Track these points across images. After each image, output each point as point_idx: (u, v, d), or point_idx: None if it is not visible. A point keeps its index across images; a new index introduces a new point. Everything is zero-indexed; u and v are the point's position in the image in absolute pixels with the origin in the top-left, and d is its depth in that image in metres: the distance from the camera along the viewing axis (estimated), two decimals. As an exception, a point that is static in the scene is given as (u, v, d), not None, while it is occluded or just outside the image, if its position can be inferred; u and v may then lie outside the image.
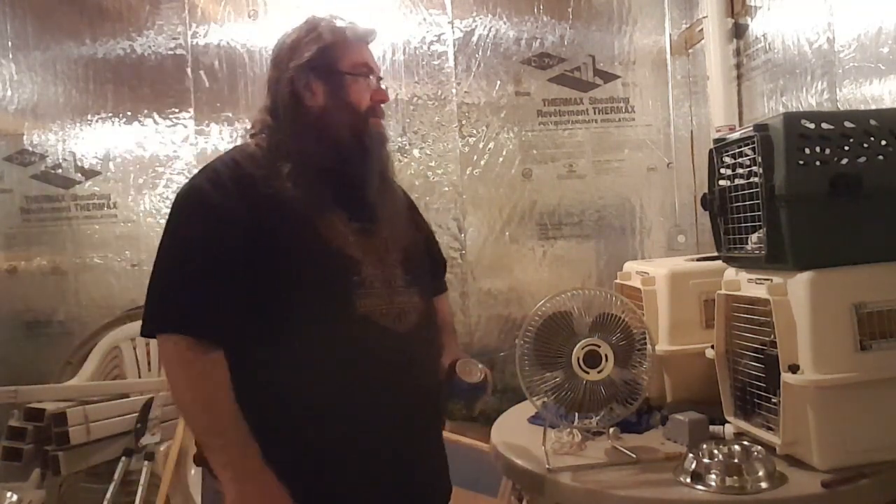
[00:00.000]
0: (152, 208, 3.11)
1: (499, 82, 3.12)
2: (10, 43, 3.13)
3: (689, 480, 1.35)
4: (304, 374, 1.21)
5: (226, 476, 1.16)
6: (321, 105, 1.31)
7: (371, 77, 1.35)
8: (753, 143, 1.44)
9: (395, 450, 1.26)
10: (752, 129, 1.46)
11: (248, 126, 1.42)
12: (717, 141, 1.64)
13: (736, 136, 1.55)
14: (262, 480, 1.16)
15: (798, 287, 1.37)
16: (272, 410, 1.21)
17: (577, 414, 1.53)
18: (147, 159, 3.13)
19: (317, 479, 1.22)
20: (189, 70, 3.11)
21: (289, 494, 1.17)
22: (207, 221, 1.21)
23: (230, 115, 3.09)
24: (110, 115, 3.13)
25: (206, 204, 1.22)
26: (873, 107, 1.89)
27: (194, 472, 2.48)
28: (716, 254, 1.71)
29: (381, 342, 1.25)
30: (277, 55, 1.36)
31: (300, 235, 1.24)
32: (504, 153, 3.12)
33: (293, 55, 1.32)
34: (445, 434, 1.87)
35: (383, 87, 1.39)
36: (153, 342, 2.83)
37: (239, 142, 3.06)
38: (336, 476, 1.23)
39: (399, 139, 3.09)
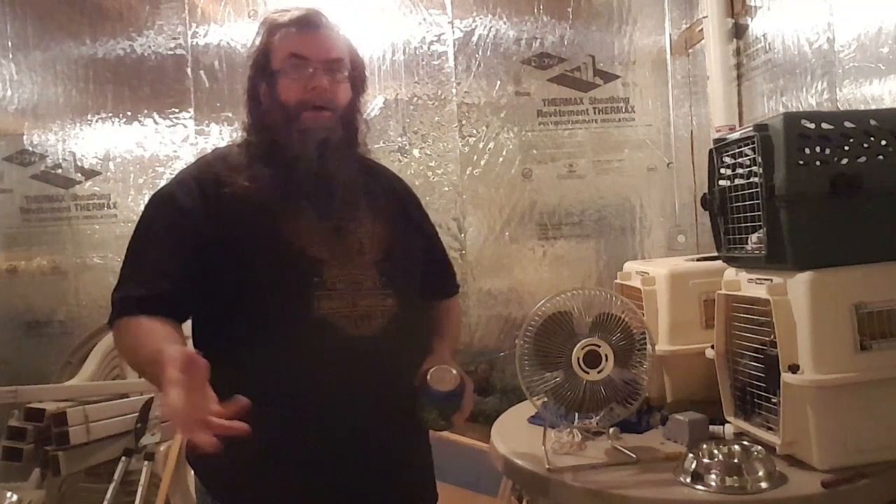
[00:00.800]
0: (152, 208, 3.11)
1: (499, 82, 3.12)
2: (10, 43, 3.13)
3: (689, 480, 1.35)
4: (257, 375, 1.18)
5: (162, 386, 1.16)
6: (265, 106, 1.31)
7: (305, 67, 1.27)
8: (753, 143, 1.44)
9: (350, 455, 1.20)
10: (752, 129, 1.46)
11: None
12: (717, 141, 1.64)
13: (736, 136, 1.55)
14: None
15: (798, 287, 1.37)
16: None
17: (577, 414, 1.53)
18: (147, 159, 3.14)
19: (266, 482, 1.19)
20: (189, 70, 3.11)
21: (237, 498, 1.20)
22: (163, 222, 1.24)
23: (230, 115, 3.09)
24: (110, 115, 3.13)
25: (167, 204, 1.25)
26: (873, 107, 1.89)
27: (194, 472, 2.47)
28: (716, 254, 1.70)
29: (337, 345, 1.20)
30: None
31: (258, 235, 1.22)
32: (504, 153, 3.12)
33: (249, 57, 1.35)
34: (446, 434, 1.86)
35: (343, 75, 1.30)
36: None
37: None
38: (286, 480, 1.19)
39: (399, 139, 3.09)
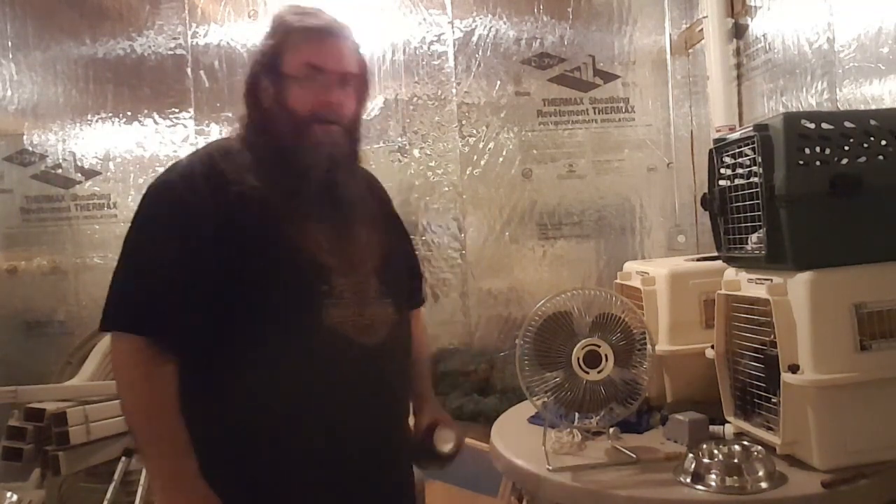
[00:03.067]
0: (152, 208, 3.11)
1: (499, 82, 3.12)
2: (10, 43, 3.13)
3: (689, 480, 1.35)
4: (264, 385, 1.16)
5: (156, 485, 1.14)
6: (268, 107, 1.25)
7: (321, 78, 1.23)
8: (753, 143, 1.44)
9: (355, 463, 1.21)
10: (752, 129, 1.46)
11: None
12: (717, 141, 1.64)
13: (736, 136, 1.54)
14: (193, 495, 1.12)
15: (798, 287, 1.37)
16: (229, 421, 1.16)
17: (577, 414, 1.53)
18: (147, 159, 3.14)
19: (270, 493, 1.18)
20: (189, 70, 3.11)
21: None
22: (172, 219, 1.18)
23: (230, 115, 3.09)
24: (110, 115, 3.14)
25: (173, 201, 1.18)
26: (873, 107, 1.89)
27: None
28: (716, 254, 1.70)
29: (347, 354, 1.20)
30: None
31: (267, 239, 1.18)
32: (504, 153, 3.12)
33: (255, 52, 1.30)
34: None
35: (352, 88, 1.27)
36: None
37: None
38: (291, 488, 1.18)
39: (399, 139, 3.09)
